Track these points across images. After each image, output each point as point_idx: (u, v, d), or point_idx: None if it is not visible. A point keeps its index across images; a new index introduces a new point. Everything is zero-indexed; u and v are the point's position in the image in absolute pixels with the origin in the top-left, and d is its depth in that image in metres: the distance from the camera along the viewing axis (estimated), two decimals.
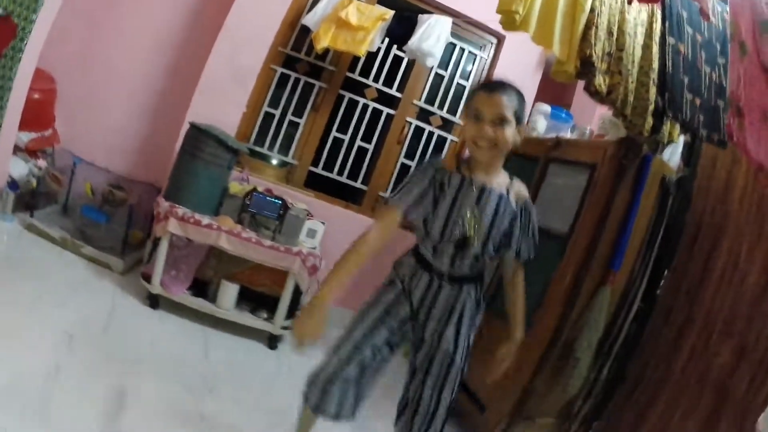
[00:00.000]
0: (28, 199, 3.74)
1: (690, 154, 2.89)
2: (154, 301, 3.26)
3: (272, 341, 3.35)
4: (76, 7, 3.93)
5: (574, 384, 2.69)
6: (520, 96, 1.76)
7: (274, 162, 4.24)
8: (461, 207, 1.74)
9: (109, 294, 3.21)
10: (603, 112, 3.19)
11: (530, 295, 2.74)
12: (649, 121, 2.48)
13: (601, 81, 2.42)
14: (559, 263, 2.70)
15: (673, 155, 2.87)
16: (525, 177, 3.07)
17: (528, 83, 4.20)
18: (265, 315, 3.37)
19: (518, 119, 1.73)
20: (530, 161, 3.18)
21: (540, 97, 4.13)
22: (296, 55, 4.08)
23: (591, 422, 2.97)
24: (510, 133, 1.70)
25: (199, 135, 3.32)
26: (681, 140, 2.81)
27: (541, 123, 3.49)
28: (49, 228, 3.60)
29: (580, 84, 3.90)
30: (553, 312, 2.67)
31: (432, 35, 3.73)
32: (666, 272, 2.90)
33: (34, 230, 3.58)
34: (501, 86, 1.72)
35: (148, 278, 3.25)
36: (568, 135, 3.23)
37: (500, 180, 1.86)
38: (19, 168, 3.74)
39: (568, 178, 2.86)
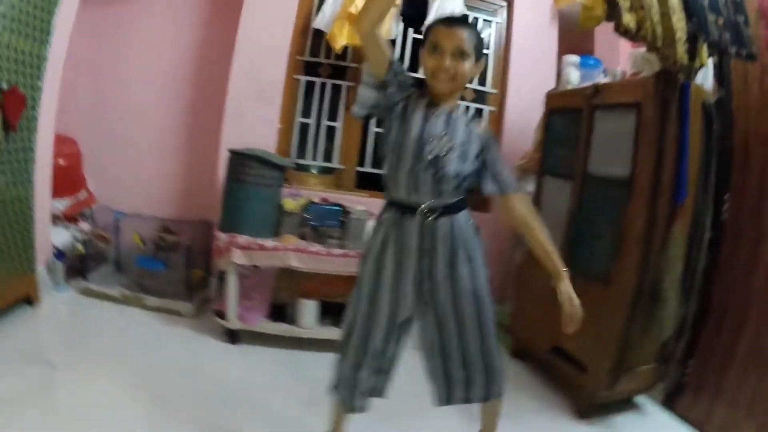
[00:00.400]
0: (79, 264, 3.67)
1: (721, 74, 2.88)
2: (233, 337, 3.16)
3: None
4: (81, 65, 3.88)
5: (668, 324, 2.65)
6: (479, 32, 1.78)
7: (321, 171, 4.15)
8: (431, 128, 1.73)
9: (185, 339, 3.13)
10: (629, 50, 3.12)
11: (603, 249, 2.77)
12: (680, 49, 2.43)
13: (628, 19, 2.38)
14: (626, 208, 2.65)
15: (705, 79, 2.84)
16: (573, 130, 3.12)
17: (546, 39, 4.14)
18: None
19: (477, 54, 1.75)
20: (574, 114, 3.11)
21: (561, 51, 4.03)
22: (316, 60, 3.98)
23: (686, 360, 2.96)
24: (468, 66, 1.72)
25: (241, 160, 3.21)
26: (710, 63, 2.77)
27: (574, 74, 3.40)
28: (107, 288, 3.53)
29: (598, 29, 3.91)
30: (632, 258, 2.61)
31: (446, 9, 3.64)
32: (727, 196, 2.88)
33: (92, 293, 3.51)
34: (460, 20, 1.76)
35: (221, 315, 3.16)
36: (601, 80, 3.14)
37: (461, 112, 1.86)
38: (62, 236, 3.68)
39: (617, 122, 2.81)
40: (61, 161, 3.71)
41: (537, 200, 3.38)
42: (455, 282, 1.80)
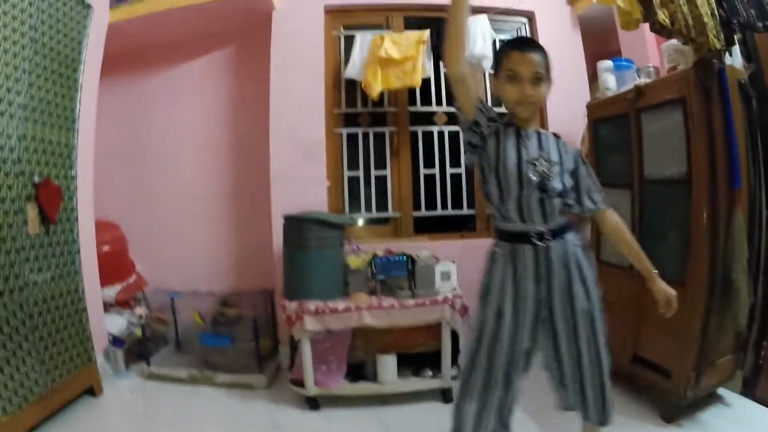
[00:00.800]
0: (139, 349, 3.58)
1: (747, 49, 2.86)
2: (313, 404, 3.04)
3: (446, 395, 3.09)
4: (112, 151, 3.93)
5: (742, 312, 2.59)
6: (545, 51, 1.77)
7: (377, 221, 4.06)
8: (528, 151, 1.73)
9: (264, 412, 3.02)
10: (661, 45, 3.08)
11: (675, 249, 2.72)
12: (711, 35, 2.43)
13: (662, 15, 2.40)
14: (689, 206, 2.62)
15: (734, 58, 2.81)
16: (620, 137, 3.05)
17: (572, 47, 4.10)
18: (430, 373, 3.13)
19: (548, 74, 1.76)
20: (619, 120, 3.08)
21: (587, 56, 4.02)
22: (353, 110, 3.92)
23: (761, 344, 2.89)
24: (544, 89, 1.75)
25: (298, 224, 3.13)
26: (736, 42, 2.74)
27: (611, 80, 3.33)
28: (172, 370, 3.43)
29: (621, 31, 3.88)
30: (702, 253, 2.57)
31: (477, 38, 3.59)
32: None
33: (156, 377, 3.42)
34: (530, 43, 1.78)
35: (298, 383, 3.04)
36: (638, 81, 3.08)
37: (544, 130, 1.87)
38: (117, 323, 3.62)
39: (664, 121, 2.78)
40: (106, 248, 3.69)
41: None
42: (571, 302, 1.79)
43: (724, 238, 2.56)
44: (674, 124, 2.66)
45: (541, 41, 3.89)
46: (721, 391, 3.00)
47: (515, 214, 1.74)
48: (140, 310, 3.72)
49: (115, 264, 3.75)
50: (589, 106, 3.39)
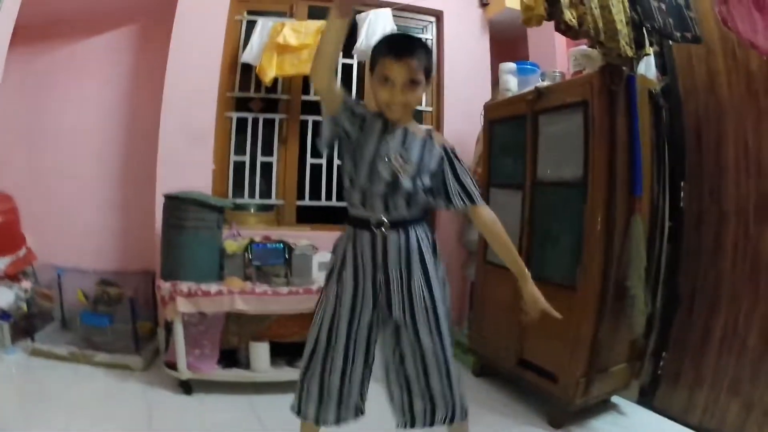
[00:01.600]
0: (25, 324, 3.49)
1: (663, 61, 2.88)
2: (186, 388, 3.00)
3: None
4: (10, 122, 3.78)
5: (638, 321, 2.60)
6: (427, 50, 1.75)
7: (260, 209, 3.99)
8: (387, 146, 1.72)
9: (138, 394, 2.95)
10: (568, 51, 3.05)
11: (568, 253, 2.67)
12: (623, 41, 2.40)
13: (569, 15, 2.35)
14: (584, 209, 2.57)
15: (648, 69, 2.78)
16: (516, 138, 3.01)
17: (479, 51, 4.09)
18: None
19: (427, 74, 1.72)
20: (515, 121, 3.03)
21: (495, 60, 3.97)
22: (246, 95, 3.84)
23: (660, 353, 2.92)
24: (421, 91, 1.73)
25: (177, 204, 3.06)
26: (651, 52, 2.75)
27: (512, 81, 3.32)
28: (55, 347, 3.35)
29: (531, 33, 3.90)
30: (596, 258, 2.54)
31: (377, 30, 3.55)
32: (683, 183, 2.85)
33: (40, 353, 3.33)
34: (407, 49, 1.68)
35: (173, 366, 2.99)
36: (540, 84, 3.05)
37: (418, 128, 1.85)
38: (5, 296, 3.46)
39: (563, 123, 2.73)
40: None
41: None
42: (410, 299, 1.76)
43: (620, 244, 2.55)
44: (573, 127, 2.62)
45: (446, 42, 4.03)
46: (616, 399, 2.99)
47: (359, 201, 1.76)
48: (26, 284, 3.61)
49: (5, 236, 3.63)
50: (486, 106, 3.36)
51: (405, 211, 1.76)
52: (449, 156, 1.82)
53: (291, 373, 3.02)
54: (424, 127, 1.85)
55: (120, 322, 3.43)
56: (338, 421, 1.84)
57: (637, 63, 2.67)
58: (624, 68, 2.53)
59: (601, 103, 2.49)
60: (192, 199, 3.06)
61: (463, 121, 3.83)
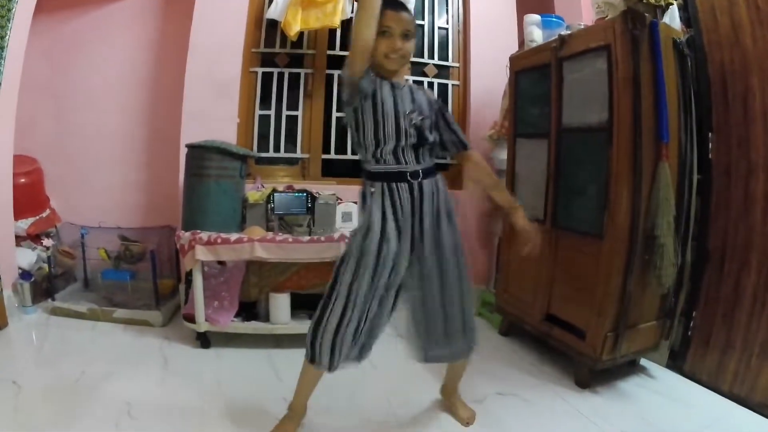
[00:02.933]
0: (47, 285, 3.38)
1: (687, 14, 2.77)
2: (204, 341, 2.85)
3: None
4: (38, 86, 3.70)
5: (667, 273, 2.39)
6: (411, 12, 1.87)
7: (285, 162, 3.81)
8: (403, 104, 1.80)
9: (155, 349, 2.82)
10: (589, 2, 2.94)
11: (594, 200, 2.50)
12: None
13: None
14: (609, 154, 2.41)
15: (672, 21, 2.63)
16: (541, 87, 2.85)
17: (504, 5, 3.93)
18: None
19: (415, 33, 1.85)
20: (540, 70, 2.89)
21: (520, 14, 3.75)
22: (272, 50, 3.71)
23: (690, 312, 2.71)
24: (413, 44, 1.84)
25: (200, 153, 2.95)
26: (674, 6, 2.61)
27: (537, 33, 3.16)
28: (75, 305, 3.24)
29: None
30: (622, 205, 2.36)
31: None
32: (711, 134, 2.68)
33: (60, 312, 3.23)
34: (401, 3, 1.83)
35: (191, 319, 2.84)
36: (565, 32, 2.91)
37: (413, 84, 1.96)
38: (28, 257, 3.40)
39: (587, 68, 2.58)
40: (23, 180, 3.50)
41: (512, 166, 3.11)
42: (439, 237, 1.86)
43: (647, 192, 2.38)
44: (597, 72, 2.49)
45: None
46: (645, 362, 2.80)
47: (391, 157, 1.81)
48: (48, 243, 3.52)
49: (30, 197, 3.56)
50: (511, 58, 3.20)
51: (430, 162, 1.87)
52: (441, 107, 1.96)
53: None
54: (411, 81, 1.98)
55: (142, 280, 3.33)
56: (346, 359, 1.91)
57: (662, 14, 2.54)
58: (648, 15, 2.42)
59: (623, 47, 2.36)
60: (214, 147, 2.95)
61: (490, 76, 3.68)
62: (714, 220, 2.66)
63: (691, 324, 2.71)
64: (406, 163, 1.81)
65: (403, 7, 1.80)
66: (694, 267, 2.68)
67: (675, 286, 2.55)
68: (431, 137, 1.85)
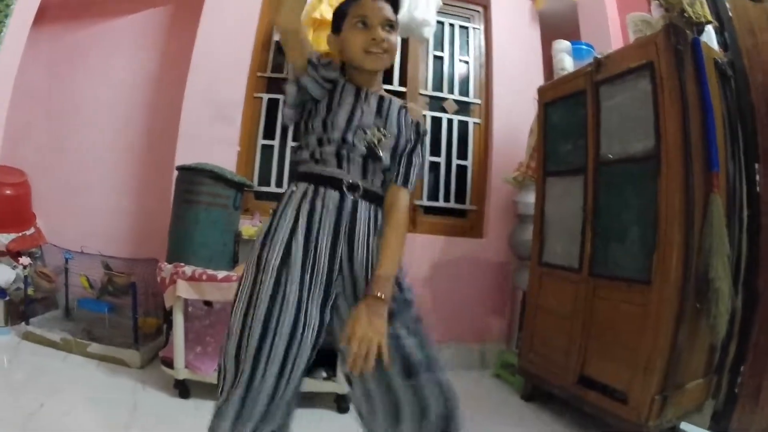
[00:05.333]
0: (23, 307, 3.06)
1: (724, 35, 2.54)
2: (183, 389, 2.45)
3: (341, 403, 2.48)
4: (33, 97, 3.45)
5: (721, 321, 2.05)
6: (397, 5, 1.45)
7: None
8: (362, 116, 1.35)
9: (127, 391, 2.45)
10: (624, 41, 2.78)
11: (639, 242, 2.15)
12: (684, 2, 2.13)
13: None
14: (657, 187, 2.11)
15: (709, 42, 2.38)
16: (574, 117, 2.48)
17: (529, 40, 3.68)
18: (324, 374, 2.49)
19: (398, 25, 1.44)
20: (573, 99, 2.62)
21: (546, 48, 3.54)
22: (279, 75, 3.39)
23: (739, 366, 2.37)
24: (396, 37, 1.40)
25: (190, 176, 2.63)
26: (710, 27, 2.37)
27: (568, 60, 2.91)
28: (48, 332, 2.90)
29: (583, 16, 3.51)
30: (673, 247, 2.05)
31: (420, 2, 3.09)
32: (757, 165, 2.38)
33: (33, 338, 2.91)
34: None
35: (169, 363, 2.45)
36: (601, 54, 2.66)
37: (391, 98, 1.46)
38: (5, 274, 3.07)
39: (628, 91, 2.33)
40: (8, 191, 3.24)
41: (540, 209, 2.78)
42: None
43: (699, 228, 2.05)
44: (640, 94, 2.24)
45: (495, 31, 3.52)
46: (684, 426, 2.42)
47: (332, 157, 1.33)
48: (25, 260, 3.18)
49: (15, 211, 3.29)
50: (540, 89, 2.92)
51: (378, 188, 1.37)
52: (421, 137, 1.46)
53: (308, 384, 2.39)
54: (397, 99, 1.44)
55: (125, 315, 2.97)
56: None
57: (699, 33, 2.28)
58: (689, 32, 2.18)
59: (668, 64, 2.12)
60: (206, 171, 2.62)
61: (513, 112, 3.39)
62: (764, 261, 2.33)
63: (739, 379, 2.35)
64: (350, 171, 1.33)
65: None
66: (744, 314, 2.33)
67: (727, 333, 2.18)
68: (386, 160, 1.36)
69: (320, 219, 1.28)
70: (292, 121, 1.41)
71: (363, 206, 1.32)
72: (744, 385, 2.34)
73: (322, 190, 1.30)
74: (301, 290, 1.22)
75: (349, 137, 1.31)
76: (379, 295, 1.20)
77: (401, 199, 1.39)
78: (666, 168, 2.07)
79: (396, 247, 1.31)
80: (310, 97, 1.36)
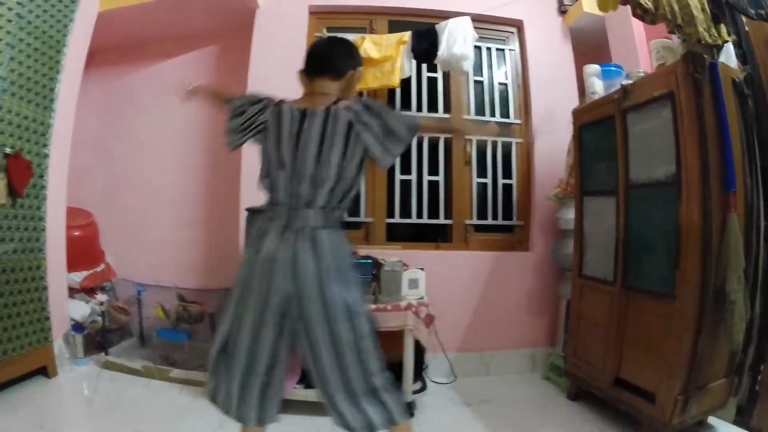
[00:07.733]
0: (100, 338, 3.18)
1: (743, 52, 2.57)
2: None
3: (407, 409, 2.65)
4: (92, 140, 3.57)
5: (738, 329, 2.16)
6: (341, 52, 1.65)
7: (348, 227, 3.48)
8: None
9: (211, 412, 2.53)
10: (649, 46, 2.75)
11: (664, 259, 2.30)
12: (700, 27, 2.18)
13: None
14: (678, 209, 2.21)
15: (728, 59, 2.43)
16: (606, 141, 2.59)
17: (562, 58, 3.67)
18: None
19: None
20: (604, 123, 2.69)
21: (579, 67, 3.55)
22: None
23: (758, 366, 2.47)
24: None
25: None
26: (730, 39, 2.40)
27: (598, 84, 2.95)
28: (129, 361, 3.02)
29: (613, 36, 3.55)
30: (693, 263, 2.16)
31: (458, 38, 3.17)
32: None
33: (113, 366, 3.02)
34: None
35: None
36: (627, 82, 2.70)
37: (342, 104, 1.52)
38: (81, 309, 3.22)
39: (652, 119, 2.39)
40: (77, 233, 3.33)
41: (579, 225, 2.87)
42: (323, 293, 1.43)
43: (717, 245, 2.15)
44: (662, 122, 2.30)
45: (530, 52, 3.54)
46: (712, 420, 2.56)
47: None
48: (102, 297, 3.31)
49: (85, 250, 3.38)
50: (574, 112, 2.97)
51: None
52: (365, 111, 1.49)
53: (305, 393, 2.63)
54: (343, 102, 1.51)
55: (200, 340, 3.09)
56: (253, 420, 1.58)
57: (718, 53, 2.35)
58: (705, 56, 2.23)
59: (687, 93, 2.19)
60: None
61: (552, 130, 3.41)
62: None
63: (759, 378, 2.46)
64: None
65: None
66: (762, 318, 2.42)
67: (745, 339, 2.31)
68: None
69: (272, 235, 1.47)
70: (236, 145, 1.67)
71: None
72: (764, 383, 2.46)
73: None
74: (259, 302, 1.48)
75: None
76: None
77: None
78: (686, 192, 2.17)
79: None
80: (252, 122, 1.61)
